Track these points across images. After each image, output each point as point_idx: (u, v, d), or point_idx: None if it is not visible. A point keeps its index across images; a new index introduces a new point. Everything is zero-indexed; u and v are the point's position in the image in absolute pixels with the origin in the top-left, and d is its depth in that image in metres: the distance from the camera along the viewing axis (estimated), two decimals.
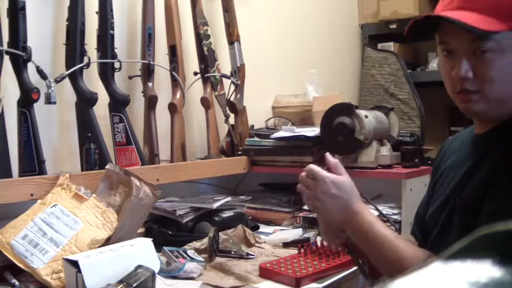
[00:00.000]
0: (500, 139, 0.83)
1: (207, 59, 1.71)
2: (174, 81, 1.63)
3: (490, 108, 0.81)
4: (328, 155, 0.97)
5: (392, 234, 0.91)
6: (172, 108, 1.61)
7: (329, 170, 0.95)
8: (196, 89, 1.75)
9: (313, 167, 0.95)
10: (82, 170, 1.33)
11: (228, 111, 1.78)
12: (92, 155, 1.33)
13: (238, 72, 1.83)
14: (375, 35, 2.75)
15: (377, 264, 0.93)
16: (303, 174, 0.96)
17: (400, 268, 0.85)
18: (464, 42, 0.79)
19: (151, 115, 1.56)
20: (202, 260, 1.20)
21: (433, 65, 2.58)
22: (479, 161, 0.84)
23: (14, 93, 1.25)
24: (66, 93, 1.39)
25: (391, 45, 2.64)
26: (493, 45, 0.77)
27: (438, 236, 0.90)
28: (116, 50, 1.42)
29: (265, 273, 1.14)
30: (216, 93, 1.74)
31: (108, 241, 1.13)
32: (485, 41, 0.77)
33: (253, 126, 1.92)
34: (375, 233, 0.89)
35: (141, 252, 1.07)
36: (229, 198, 1.52)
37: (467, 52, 0.79)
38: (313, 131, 1.63)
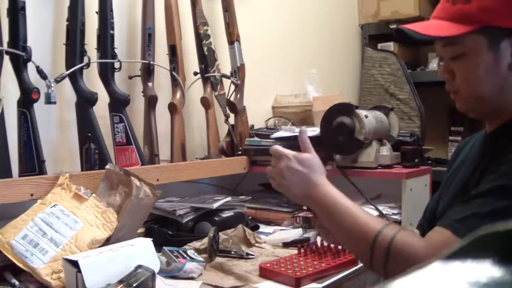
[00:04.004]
0: (503, 137, 0.86)
1: (207, 59, 1.71)
2: (174, 81, 1.63)
3: (472, 107, 0.87)
4: (301, 132, 1.00)
5: (354, 205, 0.89)
6: (172, 108, 1.61)
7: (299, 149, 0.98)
8: (196, 89, 1.75)
9: (277, 146, 0.98)
10: (82, 170, 1.33)
11: (228, 111, 1.78)
12: (92, 155, 1.33)
13: (238, 72, 1.83)
14: (374, 35, 2.75)
15: (338, 236, 0.92)
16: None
17: (358, 235, 0.84)
18: (439, 48, 0.88)
19: (151, 115, 1.56)
20: (202, 260, 1.20)
21: (433, 65, 2.58)
22: (486, 158, 0.86)
23: (14, 93, 1.25)
24: (66, 93, 1.39)
25: (391, 45, 2.64)
26: (461, 48, 0.83)
27: None
28: (116, 50, 1.42)
29: (265, 273, 1.14)
30: (216, 93, 1.74)
31: (108, 241, 1.13)
32: (455, 45, 0.84)
33: (253, 126, 1.92)
34: (337, 204, 0.89)
35: (141, 252, 1.07)
36: (229, 198, 1.52)
37: (444, 56, 0.88)
38: (313, 131, 1.63)
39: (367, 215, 0.88)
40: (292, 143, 0.99)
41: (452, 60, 0.86)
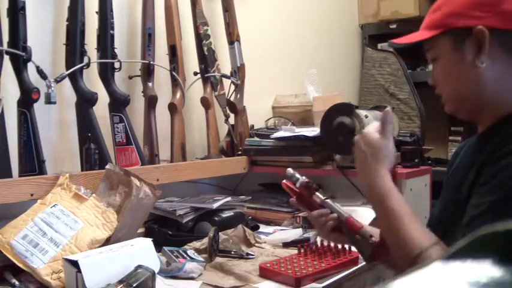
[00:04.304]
0: (492, 137, 0.85)
1: (207, 59, 1.71)
2: (174, 81, 1.63)
3: (457, 107, 0.91)
4: (385, 112, 0.97)
5: (405, 209, 0.88)
6: (172, 108, 1.61)
7: None
8: (196, 89, 1.75)
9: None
10: (82, 170, 1.33)
11: (228, 111, 1.78)
12: (92, 155, 1.33)
13: (238, 72, 1.83)
14: (374, 35, 2.75)
15: (382, 228, 0.93)
16: None
17: (401, 243, 0.84)
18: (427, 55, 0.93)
19: (151, 115, 1.56)
20: (202, 260, 1.20)
21: None
22: (477, 163, 0.85)
23: (14, 93, 1.25)
24: (66, 93, 1.39)
25: None
26: (435, 52, 0.90)
27: (443, 236, 0.89)
28: (116, 50, 1.42)
29: (265, 273, 1.14)
30: (216, 93, 1.74)
31: (108, 241, 1.13)
32: (430, 50, 0.90)
33: (253, 126, 1.92)
34: (388, 203, 0.88)
35: (141, 252, 1.07)
36: (229, 198, 1.52)
37: (431, 63, 0.92)
38: (313, 131, 1.63)
39: (416, 225, 0.85)
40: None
41: (432, 64, 0.92)
